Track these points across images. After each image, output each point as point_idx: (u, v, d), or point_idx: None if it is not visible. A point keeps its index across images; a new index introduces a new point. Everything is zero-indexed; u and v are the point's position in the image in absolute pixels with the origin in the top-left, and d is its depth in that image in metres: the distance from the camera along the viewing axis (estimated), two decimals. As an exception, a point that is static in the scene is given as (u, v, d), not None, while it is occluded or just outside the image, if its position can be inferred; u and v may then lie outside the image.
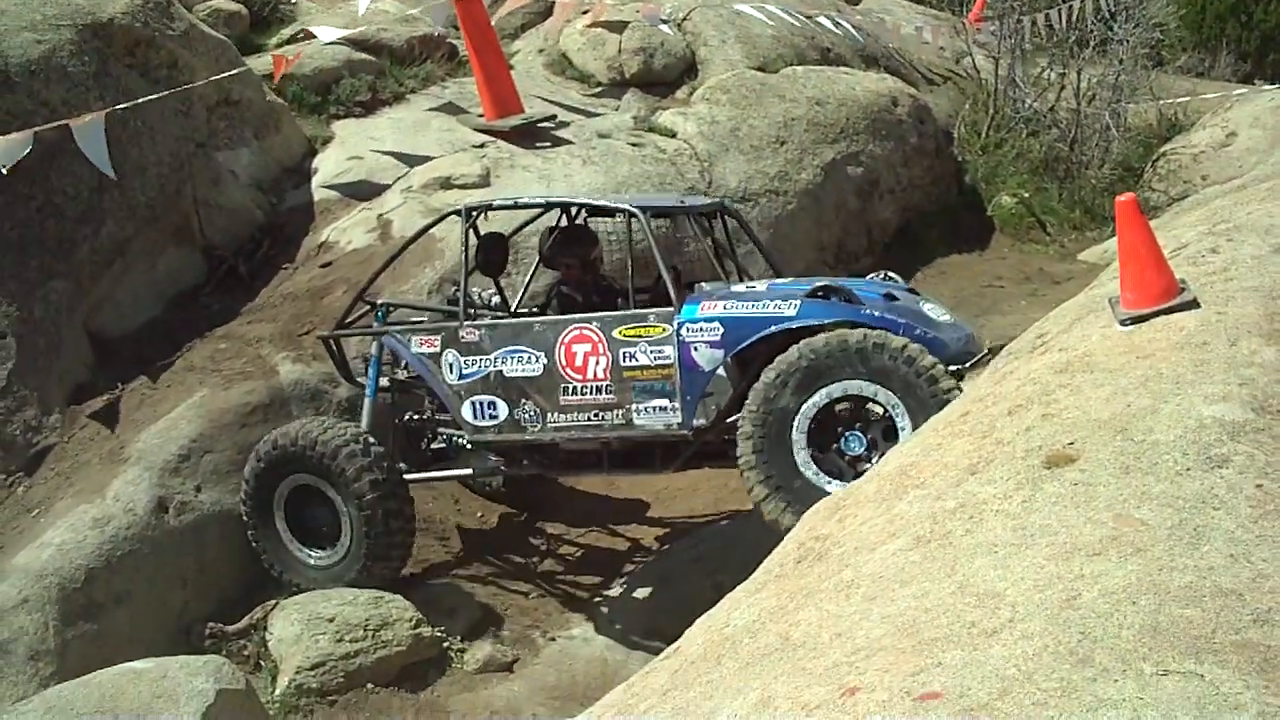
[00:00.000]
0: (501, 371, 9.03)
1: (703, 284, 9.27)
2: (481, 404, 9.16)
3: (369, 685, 8.81)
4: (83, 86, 11.34)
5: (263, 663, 9.06)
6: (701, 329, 8.43)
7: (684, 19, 16.18)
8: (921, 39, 18.53)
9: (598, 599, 9.94)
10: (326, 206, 12.75)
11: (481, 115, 13.84)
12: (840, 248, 14.51)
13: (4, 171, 10.18)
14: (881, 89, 15.97)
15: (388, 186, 12.74)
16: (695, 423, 8.59)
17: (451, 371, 9.21)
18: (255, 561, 9.69)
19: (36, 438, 10.10)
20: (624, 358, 8.63)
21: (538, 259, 10.02)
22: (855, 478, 6.84)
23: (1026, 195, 16.47)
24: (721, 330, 8.38)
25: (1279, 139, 16.18)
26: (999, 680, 3.40)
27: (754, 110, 14.54)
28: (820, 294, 8.34)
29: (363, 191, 12.78)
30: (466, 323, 9.18)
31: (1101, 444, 4.50)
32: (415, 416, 9.99)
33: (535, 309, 10.03)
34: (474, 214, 9.50)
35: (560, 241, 9.68)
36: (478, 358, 9.10)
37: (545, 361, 8.87)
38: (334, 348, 9.94)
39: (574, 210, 9.97)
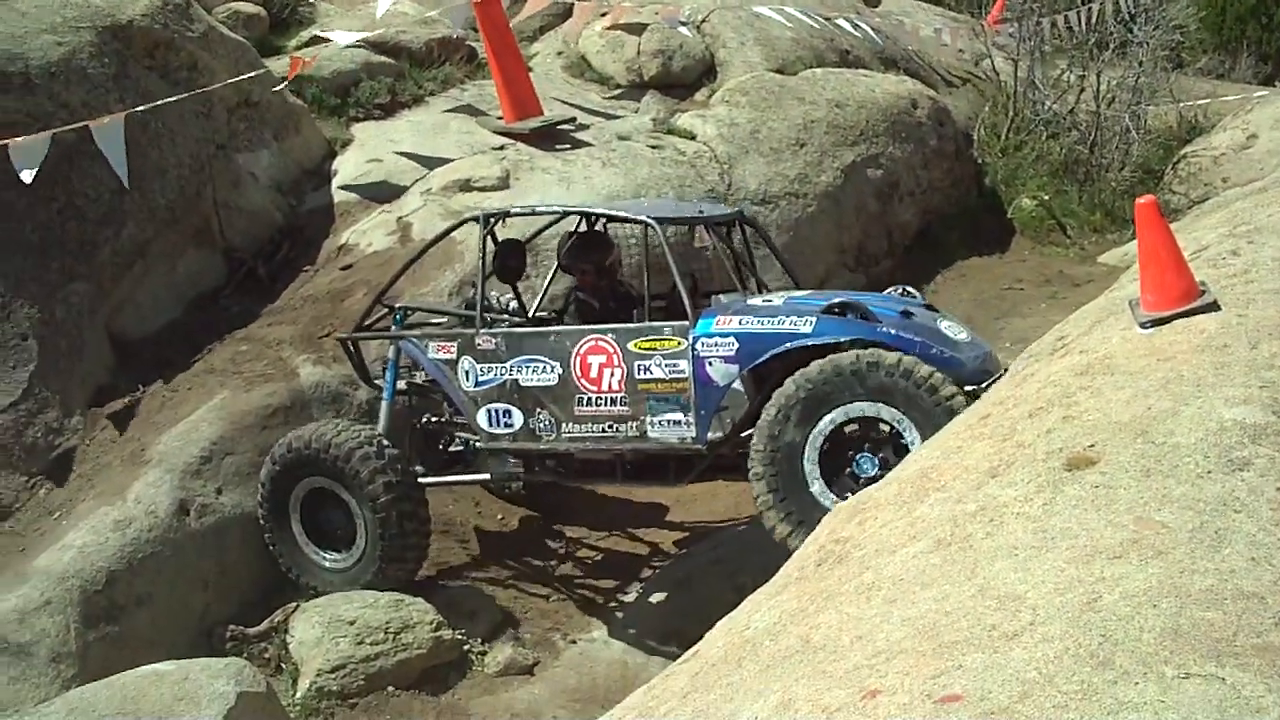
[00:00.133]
0: (517, 380, 9.04)
1: (720, 296, 9.25)
2: (497, 411, 9.17)
3: (389, 688, 8.82)
4: (103, 88, 11.37)
5: (283, 665, 9.07)
6: (716, 344, 8.41)
7: (703, 21, 16.18)
8: (941, 41, 18.51)
9: (618, 602, 9.94)
10: (346, 209, 12.77)
11: (500, 117, 13.86)
12: (860, 250, 14.49)
13: (28, 181, 10.21)
14: (901, 91, 15.96)
15: (407, 189, 12.75)
16: (709, 436, 8.58)
17: (467, 378, 9.22)
18: (276, 564, 9.72)
19: (58, 440, 10.13)
20: (639, 370, 8.62)
21: (556, 263, 10.03)
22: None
23: (1046, 198, 16.43)
24: (736, 346, 8.36)
25: (1300, 141, 16.16)
26: (1019, 683, 3.39)
27: (773, 112, 14.52)
28: (836, 310, 8.32)
29: (382, 194, 12.80)
30: (483, 330, 9.18)
31: (1122, 447, 4.49)
32: (433, 419, 10.01)
33: (554, 313, 10.05)
34: (491, 221, 9.51)
35: (578, 248, 9.69)
36: (494, 365, 9.11)
37: (560, 371, 8.87)
38: (352, 350, 9.96)
39: (592, 216, 9.97)
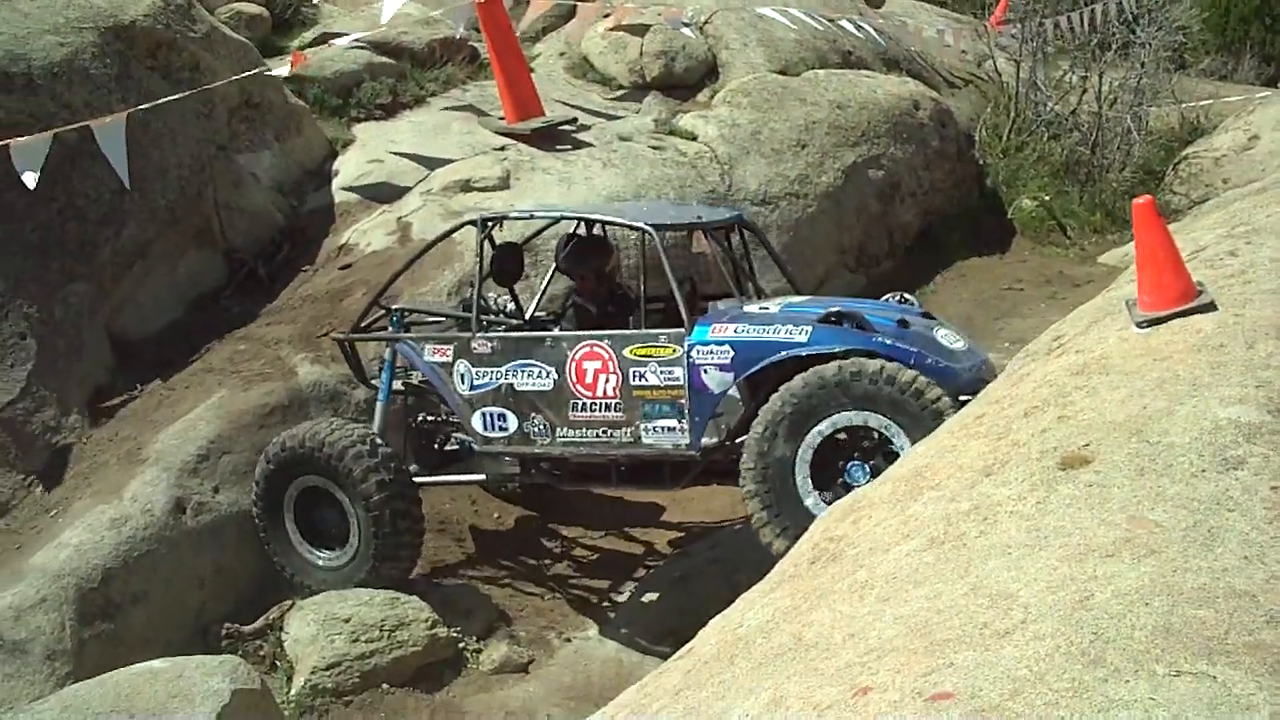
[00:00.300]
0: (512, 385, 9.04)
1: (717, 302, 9.24)
2: (491, 415, 9.17)
3: (384, 686, 8.81)
4: (105, 89, 11.37)
5: (278, 663, 9.07)
6: (712, 351, 8.40)
7: (705, 22, 16.16)
8: (943, 42, 18.49)
9: (612, 601, 9.94)
10: (347, 209, 12.78)
11: (502, 118, 13.86)
12: (861, 251, 14.49)
13: (30, 184, 10.20)
14: (903, 92, 15.95)
15: (408, 189, 12.75)
16: (703, 443, 8.59)
17: (463, 382, 9.22)
18: (271, 562, 9.71)
19: (55, 438, 10.13)
20: (634, 377, 8.62)
21: (554, 265, 10.03)
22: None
23: (1047, 198, 16.43)
24: (732, 354, 8.35)
25: (1301, 142, 16.16)
26: (1011, 681, 3.39)
27: (775, 113, 14.51)
28: (832, 319, 8.31)
29: (383, 194, 12.80)
30: (479, 334, 9.18)
31: (1117, 446, 4.49)
32: (429, 418, 10.01)
33: (552, 314, 10.04)
34: (489, 225, 9.51)
35: (578, 254, 9.66)
36: (489, 370, 9.10)
37: (555, 377, 8.86)
38: (349, 350, 9.95)
39: (589, 221, 9.95)
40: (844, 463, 7.91)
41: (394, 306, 9.94)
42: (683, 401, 8.50)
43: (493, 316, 9.74)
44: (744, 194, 13.38)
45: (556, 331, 9.29)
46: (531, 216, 10.21)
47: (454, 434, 9.89)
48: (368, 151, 13.45)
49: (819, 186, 14.08)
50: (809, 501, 7.88)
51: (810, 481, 7.90)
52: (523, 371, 8.98)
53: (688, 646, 5.08)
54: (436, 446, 10.06)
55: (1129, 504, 4.14)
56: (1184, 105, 18.50)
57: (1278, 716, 3.10)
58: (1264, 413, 4.47)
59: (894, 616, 4.04)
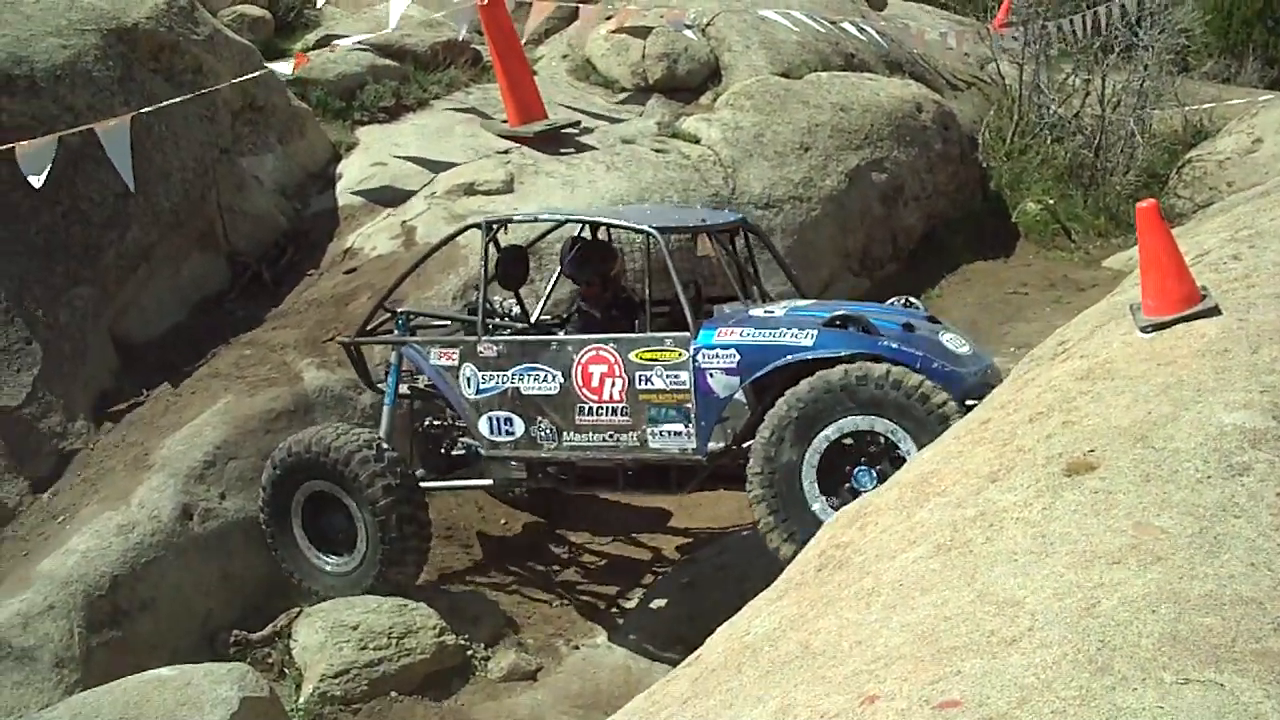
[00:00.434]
0: (518, 389, 9.04)
1: (723, 306, 9.24)
2: (498, 419, 9.17)
3: (393, 693, 8.79)
4: (108, 91, 11.38)
5: (287, 670, 9.06)
6: (718, 355, 8.39)
7: (708, 25, 16.18)
8: (946, 45, 18.50)
9: (620, 608, 9.93)
10: (351, 212, 12.79)
11: (505, 121, 13.87)
12: (865, 254, 14.49)
13: (37, 186, 10.22)
14: (906, 95, 15.96)
15: (412, 193, 12.77)
16: (710, 447, 8.58)
17: (469, 386, 9.22)
18: (279, 568, 9.71)
19: (62, 444, 10.14)
20: (640, 381, 8.61)
21: (559, 269, 10.03)
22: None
23: (1051, 202, 16.43)
24: (738, 358, 8.34)
25: (1305, 145, 16.16)
26: (1018, 689, 3.39)
27: (778, 116, 14.52)
28: (838, 323, 8.31)
29: (387, 197, 12.82)
30: (485, 338, 9.18)
31: (1122, 452, 4.49)
32: (436, 423, 10.01)
33: (558, 318, 10.05)
34: (493, 228, 9.51)
35: (583, 259, 9.65)
36: (495, 374, 9.11)
37: (562, 381, 8.86)
38: (355, 354, 9.96)
39: (594, 225, 9.95)
40: (851, 468, 7.90)
41: (399, 310, 9.94)
42: (689, 406, 8.49)
43: (499, 320, 9.73)
44: (748, 197, 13.38)
45: (562, 335, 9.30)
46: (536, 220, 10.23)
47: (460, 438, 9.88)
48: (371, 154, 13.47)
49: (822, 190, 14.08)
50: (816, 506, 7.87)
51: (817, 486, 7.89)
52: (529, 375, 8.98)
53: (695, 654, 5.08)
54: (443, 451, 10.05)
55: (1135, 510, 4.14)
56: (1187, 108, 18.51)
57: (1287, 725, 3.11)
58: (1269, 418, 4.47)
59: (901, 624, 4.04)
